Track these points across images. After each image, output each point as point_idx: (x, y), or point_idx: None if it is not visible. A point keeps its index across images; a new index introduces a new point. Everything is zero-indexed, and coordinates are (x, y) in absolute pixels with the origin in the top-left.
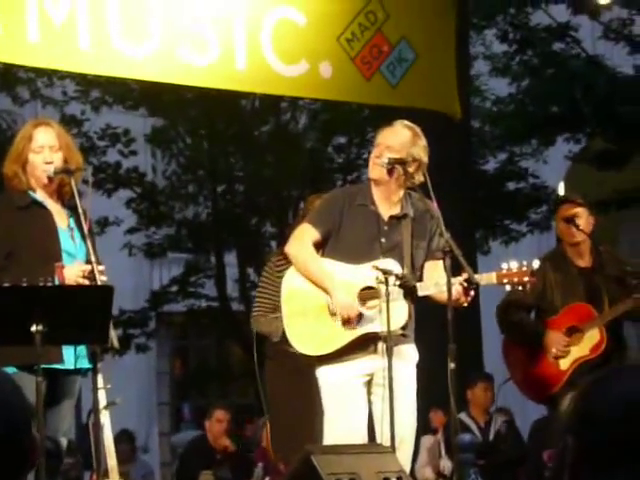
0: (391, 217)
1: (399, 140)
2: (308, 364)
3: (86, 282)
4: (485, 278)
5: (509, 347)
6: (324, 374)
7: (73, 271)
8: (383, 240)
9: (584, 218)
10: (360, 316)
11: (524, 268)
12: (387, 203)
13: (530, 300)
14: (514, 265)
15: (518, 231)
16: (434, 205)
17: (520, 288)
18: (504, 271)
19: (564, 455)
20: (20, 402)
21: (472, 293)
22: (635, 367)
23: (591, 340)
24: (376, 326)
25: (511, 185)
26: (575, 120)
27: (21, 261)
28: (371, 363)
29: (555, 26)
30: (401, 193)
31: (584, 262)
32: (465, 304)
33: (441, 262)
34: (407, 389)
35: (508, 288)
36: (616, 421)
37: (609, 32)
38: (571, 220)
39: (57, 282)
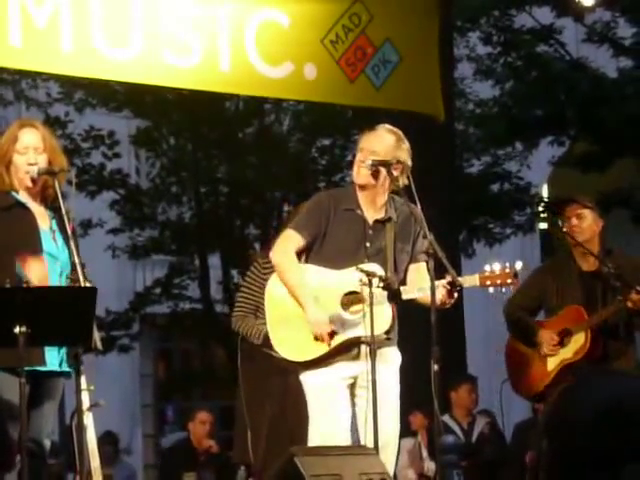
0: (376, 221)
1: (383, 144)
2: (292, 369)
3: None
4: (468, 280)
5: (511, 346)
6: (308, 378)
7: (36, 268)
8: (368, 244)
9: (590, 219)
10: (333, 334)
11: (507, 270)
12: (372, 207)
13: (529, 303)
14: (497, 267)
15: (502, 233)
16: (418, 208)
17: (503, 290)
18: (487, 273)
19: (540, 458)
20: None
21: (455, 295)
22: (605, 375)
23: (576, 343)
24: (359, 331)
25: (495, 187)
26: (558, 123)
27: (1, 261)
28: (355, 366)
29: (539, 28)
30: (385, 197)
31: (588, 265)
32: (448, 306)
33: (424, 265)
34: (390, 392)
35: (491, 290)
36: (585, 427)
37: (593, 34)
38: (573, 218)
39: (22, 272)
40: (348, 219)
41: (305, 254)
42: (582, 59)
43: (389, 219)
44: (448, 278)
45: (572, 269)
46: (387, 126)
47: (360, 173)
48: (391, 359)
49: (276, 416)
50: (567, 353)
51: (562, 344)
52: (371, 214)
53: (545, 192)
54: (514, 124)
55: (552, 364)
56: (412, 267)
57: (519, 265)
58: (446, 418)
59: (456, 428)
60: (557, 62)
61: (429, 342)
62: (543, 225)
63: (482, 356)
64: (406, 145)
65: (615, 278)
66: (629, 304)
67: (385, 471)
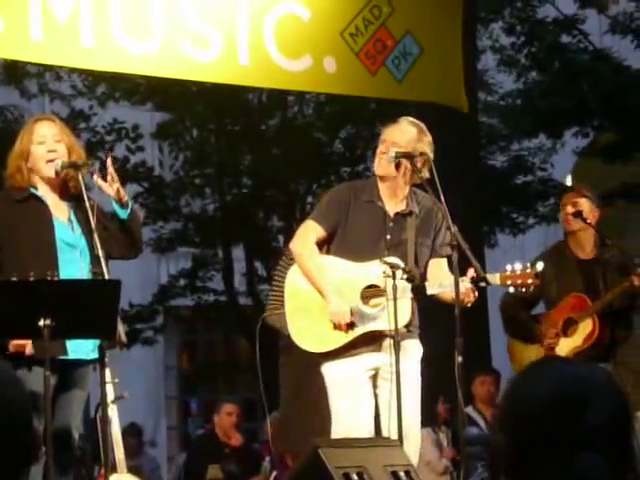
0: (397, 214)
1: (405, 137)
2: (315, 360)
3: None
4: (489, 279)
5: (512, 343)
6: (330, 369)
7: None
8: (388, 237)
9: (586, 209)
10: (352, 325)
11: (528, 270)
12: (393, 199)
13: (528, 296)
14: (518, 267)
15: (525, 223)
16: (442, 202)
17: (524, 290)
18: (508, 272)
19: (497, 455)
20: (19, 396)
21: (476, 294)
22: (541, 365)
23: (584, 330)
24: (379, 324)
25: (519, 179)
26: (582, 114)
27: (12, 253)
28: (377, 358)
29: (562, 19)
30: (407, 190)
31: (585, 254)
32: (469, 305)
33: (445, 260)
34: (412, 384)
35: (511, 290)
36: (532, 420)
37: (616, 26)
38: (569, 206)
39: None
40: (368, 210)
41: (325, 245)
42: (605, 50)
43: (410, 212)
44: (470, 273)
45: (569, 258)
46: (409, 118)
47: (381, 164)
48: (412, 351)
49: (311, 407)
50: (576, 341)
51: (565, 334)
52: (392, 206)
53: (569, 183)
54: (538, 116)
55: (562, 353)
56: (432, 262)
57: (540, 266)
58: (469, 410)
59: (480, 420)
60: (580, 53)
61: (453, 334)
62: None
63: (505, 348)
64: (428, 137)
65: (619, 257)
66: (636, 282)
67: (409, 463)
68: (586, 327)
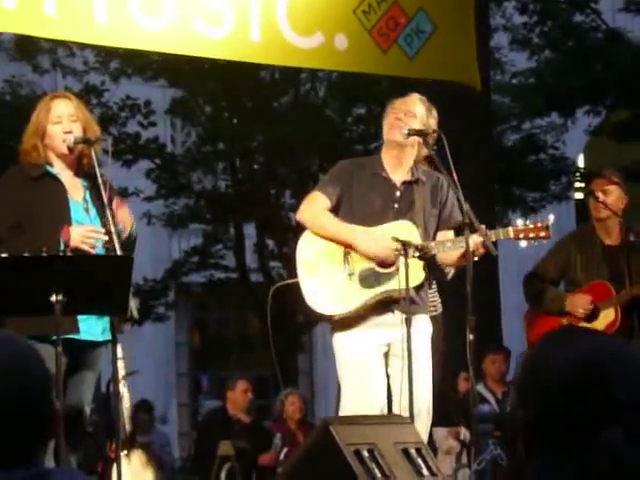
0: (404, 182)
1: (419, 110)
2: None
3: (86, 246)
4: (502, 233)
5: (532, 319)
6: (341, 342)
7: (78, 230)
8: (396, 206)
9: (615, 195)
10: (379, 278)
11: (539, 224)
12: (399, 171)
13: (553, 275)
14: (529, 221)
15: (537, 202)
16: (453, 179)
17: (535, 243)
18: (520, 226)
19: (516, 429)
20: (37, 370)
21: (488, 246)
22: (570, 334)
23: (606, 319)
24: (394, 284)
25: (531, 158)
26: (595, 92)
27: (30, 231)
28: (389, 333)
29: None
30: (412, 162)
31: (611, 240)
32: (477, 257)
33: (452, 232)
34: (423, 360)
35: (523, 244)
36: (556, 391)
37: (630, 4)
38: (594, 194)
39: (62, 243)
40: (374, 181)
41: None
42: (619, 29)
43: (417, 180)
44: (482, 228)
45: (596, 243)
46: (417, 95)
47: (395, 131)
48: (423, 327)
49: None
50: (598, 327)
51: (587, 319)
52: (398, 177)
53: (581, 162)
54: (551, 95)
55: None
56: (440, 234)
57: (551, 218)
58: (480, 388)
59: (490, 398)
60: (593, 32)
61: (464, 312)
62: (579, 195)
63: (517, 326)
64: (435, 114)
65: None
66: None
67: (420, 440)
68: (608, 316)
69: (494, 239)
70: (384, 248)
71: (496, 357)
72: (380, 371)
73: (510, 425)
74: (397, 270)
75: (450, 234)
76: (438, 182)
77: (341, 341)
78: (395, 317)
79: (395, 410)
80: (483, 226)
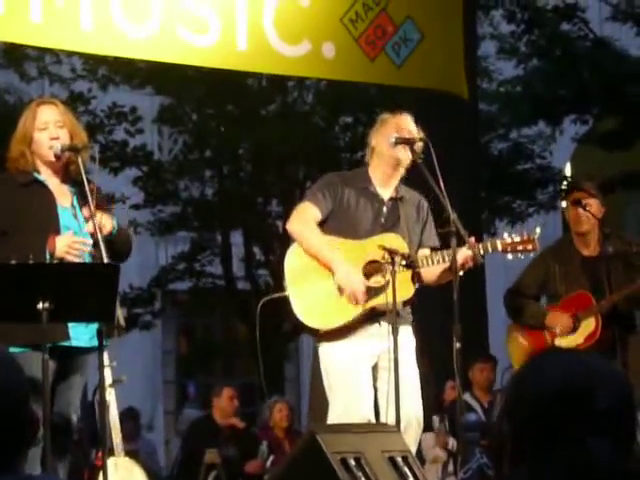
0: (390, 199)
1: (413, 129)
2: (316, 340)
3: (71, 257)
4: (491, 245)
5: (513, 333)
6: (329, 353)
7: (63, 241)
8: (383, 221)
9: (594, 208)
10: (367, 292)
11: (526, 237)
12: (387, 186)
13: (533, 289)
14: (516, 234)
15: (524, 211)
16: (440, 187)
17: (522, 256)
18: (507, 240)
19: (502, 441)
20: (15, 375)
21: (477, 259)
22: (555, 353)
23: (586, 328)
24: (383, 298)
25: (518, 166)
26: (582, 101)
27: (18, 238)
28: (376, 345)
29: (563, 6)
30: (399, 176)
31: (589, 251)
32: (466, 269)
33: (429, 250)
34: (411, 372)
35: (510, 257)
36: (548, 406)
37: (617, 13)
38: (579, 203)
39: (47, 253)
40: (362, 196)
41: (320, 228)
42: (606, 38)
43: (401, 198)
44: (471, 240)
45: (574, 254)
46: (407, 113)
47: (399, 147)
48: (409, 338)
49: None
50: (578, 338)
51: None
52: (386, 193)
53: (568, 170)
54: (538, 104)
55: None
56: (420, 252)
57: (538, 230)
58: (467, 397)
59: (477, 407)
60: (581, 40)
61: (451, 320)
62: (565, 203)
63: (504, 335)
64: (419, 127)
65: (620, 248)
66: None
67: (407, 448)
68: (588, 326)
69: (482, 252)
70: (352, 283)
71: (484, 366)
72: (367, 382)
73: (496, 437)
74: (387, 284)
75: (427, 252)
76: (420, 202)
77: (327, 352)
78: (382, 328)
79: (383, 421)
80: (472, 238)
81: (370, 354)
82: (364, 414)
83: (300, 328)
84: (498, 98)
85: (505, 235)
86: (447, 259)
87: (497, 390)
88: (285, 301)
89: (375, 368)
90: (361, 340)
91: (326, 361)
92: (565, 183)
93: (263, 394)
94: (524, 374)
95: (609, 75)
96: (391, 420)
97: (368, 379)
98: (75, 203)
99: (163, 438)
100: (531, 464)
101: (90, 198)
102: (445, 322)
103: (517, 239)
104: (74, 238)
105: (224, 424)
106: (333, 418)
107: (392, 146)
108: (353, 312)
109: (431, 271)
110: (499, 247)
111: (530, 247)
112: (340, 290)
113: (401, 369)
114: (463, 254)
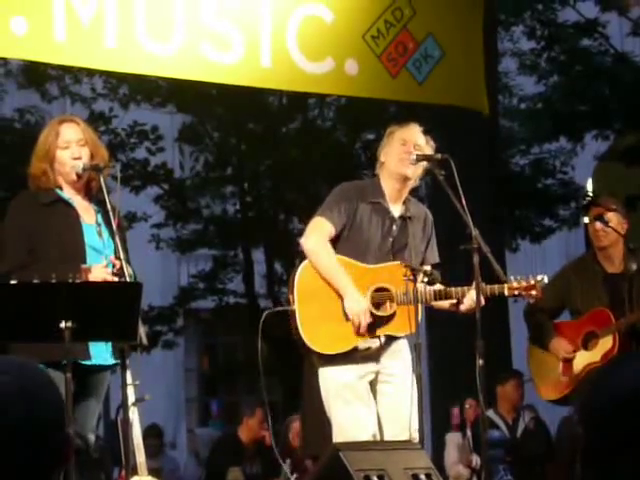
0: (400, 216)
1: (421, 141)
2: (313, 362)
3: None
4: (497, 289)
5: (530, 349)
6: (328, 377)
7: (97, 275)
8: (391, 240)
9: (614, 222)
10: (373, 324)
11: (531, 282)
12: (397, 201)
13: (552, 304)
14: (523, 279)
15: (546, 227)
16: (462, 204)
17: (531, 301)
18: (514, 284)
19: (577, 446)
20: (53, 398)
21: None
22: (635, 359)
23: (604, 347)
24: (391, 329)
25: (539, 183)
26: (603, 117)
27: (44, 258)
28: (375, 361)
29: (583, 22)
30: (407, 190)
31: (614, 267)
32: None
33: (429, 266)
34: (410, 386)
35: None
36: (617, 411)
37: (637, 29)
38: (599, 218)
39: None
40: (374, 211)
41: (332, 244)
42: (627, 53)
43: (410, 217)
44: (473, 287)
45: (597, 271)
46: (416, 124)
47: (407, 165)
48: (406, 353)
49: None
50: (595, 356)
51: (585, 347)
52: (396, 209)
53: (590, 186)
54: (559, 120)
55: (578, 367)
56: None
57: (545, 279)
58: (490, 413)
59: (501, 423)
60: (601, 56)
61: (474, 337)
62: (587, 219)
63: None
64: (432, 143)
65: None
66: None
67: (430, 465)
68: (606, 344)
69: (489, 294)
70: (359, 314)
71: (511, 382)
72: (369, 399)
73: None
74: (394, 314)
75: (427, 267)
76: (426, 217)
77: (326, 375)
78: (380, 341)
79: (385, 437)
80: (483, 284)
81: (369, 371)
82: (369, 434)
83: (303, 348)
84: (519, 114)
85: (512, 279)
86: (458, 297)
87: (524, 406)
88: (289, 315)
89: (374, 382)
90: (360, 360)
91: (326, 385)
92: (586, 199)
93: (286, 412)
94: (599, 378)
95: (630, 90)
96: (389, 435)
97: (370, 398)
98: (100, 220)
99: (186, 456)
100: (601, 469)
101: (112, 217)
102: (468, 338)
103: (523, 284)
104: (106, 273)
105: (249, 442)
106: (338, 440)
107: (401, 163)
108: (355, 342)
109: (439, 304)
110: (506, 292)
111: (534, 293)
112: (347, 317)
113: (400, 383)
114: (471, 297)
